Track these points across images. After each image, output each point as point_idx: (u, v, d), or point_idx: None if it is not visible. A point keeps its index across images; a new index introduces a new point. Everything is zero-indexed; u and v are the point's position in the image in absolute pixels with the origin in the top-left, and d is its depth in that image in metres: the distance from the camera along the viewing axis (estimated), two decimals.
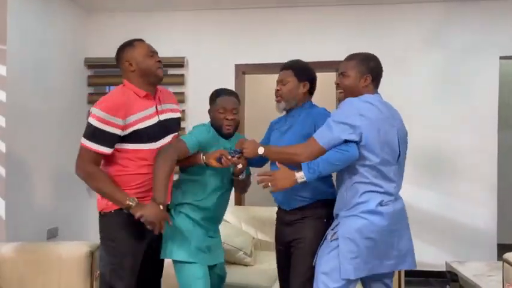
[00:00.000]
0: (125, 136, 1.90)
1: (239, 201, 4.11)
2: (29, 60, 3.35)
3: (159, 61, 2.03)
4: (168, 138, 2.04)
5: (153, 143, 1.97)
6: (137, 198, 1.89)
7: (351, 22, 3.99)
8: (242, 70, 4.13)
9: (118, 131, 1.88)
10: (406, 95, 3.83)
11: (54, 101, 3.68)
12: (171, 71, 4.20)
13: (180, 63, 4.13)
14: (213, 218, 2.18)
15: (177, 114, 2.17)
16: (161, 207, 1.84)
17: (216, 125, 2.17)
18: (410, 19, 3.93)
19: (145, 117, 1.95)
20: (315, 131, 1.95)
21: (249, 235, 3.27)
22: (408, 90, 3.90)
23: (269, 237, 3.37)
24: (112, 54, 4.40)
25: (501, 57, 3.82)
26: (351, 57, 2.05)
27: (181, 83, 4.17)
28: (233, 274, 2.84)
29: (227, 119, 2.13)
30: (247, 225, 3.42)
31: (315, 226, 2.01)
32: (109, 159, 1.93)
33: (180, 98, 4.16)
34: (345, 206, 1.90)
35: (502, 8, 3.81)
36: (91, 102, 4.19)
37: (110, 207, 1.93)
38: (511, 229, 4.66)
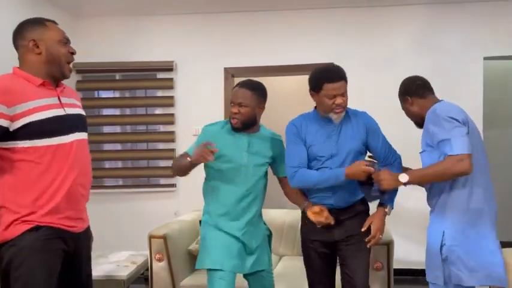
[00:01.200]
0: (13, 131, 1.49)
1: None
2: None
3: (73, 53, 1.69)
4: (74, 136, 1.63)
5: (53, 139, 1.55)
6: (42, 224, 1.49)
7: (339, 25, 4.00)
8: (231, 73, 4.11)
9: (2, 122, 1.46)
10: (393, 96, 3.84)
11: None
12: (160, 75, 4.18)
13: (169, 67, 4.10)
14: (242, 224, 2.09)
15: (83, 112, 1.78)
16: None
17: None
18: (397, 22, 3.96)
19: (44, 106, 1.55)
20: (366, 132, 2.05)
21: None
22: (395, 91, 3.91)
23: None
24: (99, 59, 4.38)
25: (485, 58, 3.85)
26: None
27: (171, 87, 4.14)
28: None
29: (232, 112, 2.08)
30: None
31: (363, 220, 2.04)
32: None
33: (169, 102, 4.14)
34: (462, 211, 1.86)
35: (485, 10, 3.85)
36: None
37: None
38: (499, 225, 4.71)
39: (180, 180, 4.12)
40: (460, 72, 3.87)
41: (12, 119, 1.48)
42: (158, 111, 4.24)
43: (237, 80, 4.38)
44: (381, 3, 3.91)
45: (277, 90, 5.24)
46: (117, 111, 4.24)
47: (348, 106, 2.09)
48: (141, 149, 4.26)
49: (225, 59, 4.09)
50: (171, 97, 4.14)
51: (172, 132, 4.14)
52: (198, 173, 4.03)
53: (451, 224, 1.86)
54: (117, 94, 4.29)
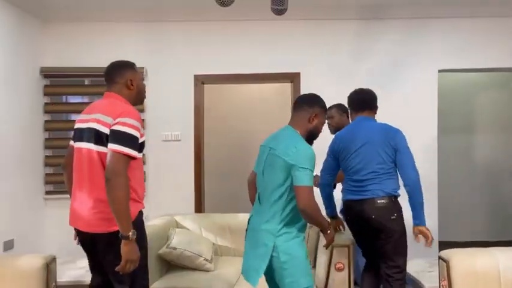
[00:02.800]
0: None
1: (199, 209, 4.11)
2: None
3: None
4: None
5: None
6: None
7: (306, 35, 4.12)
8: (201, 80, 4.15)
9: (140, 139, 2.02)
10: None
11: (10, 110, 3.53)
12: None
13: None
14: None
15: None
16: None
17: None
18: (359, 34, 4.12)
19: (143, 133, 2.11)
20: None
21: (209, 241, 3.28)
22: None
23: (229, 242, 3.40)
24: (68, 63, 4.31)
25: (440, 71, 4.09)
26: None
27: None
28: (195, 280, 2.86)
29: None
30: (207, 231, 3.42)
31: None
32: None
33: (140, 108, 4.10)
34: None
35: (439, 26, 4.09)
36: (48, 112, 4.06)
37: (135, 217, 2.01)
38: (451, 227, 4.97)
39: (149, 186, 4.10)
40: (417, 83, 4.08)
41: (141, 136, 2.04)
42: None
43: (207, 87, 4.48)
44: (346, 17, 4.07)
45: (247, 97, 5.33)
46: None
47: None
48: None
49: (195, 67, 4.12)
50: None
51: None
52: (167, 177, 4.07)
53: None
54: (86, 99, 4.22)
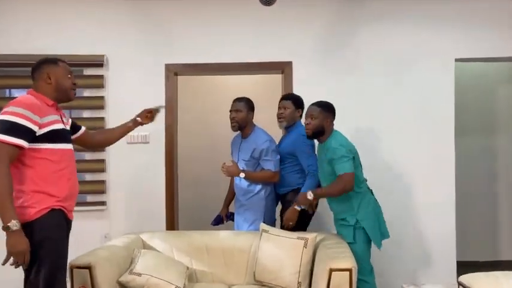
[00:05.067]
0: (40, 136, 2.24)
1: (171, 225, 4.01)
2: None
3: (75, 83, 2.53)
4: (69, 146, 2.49)
5: (65, 144, 2.42)
6: (60, 207, 2.32)
7: (299, 19, 4.05)
8: (174, 71, 4.05)
9: (35, 128, 2.20)
10: (357, 100, 3.98)
11: None
12: (88, 71, 4.04)
13: (98, 62, 3.99)
14: None
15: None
16: None
17: None
18: (360, 18, 4.07)
19: (56, 120, 2.37)
20: None
21: (182, 265, 3.18)
22: (356, 95, 4.03)
23: (206, 266, 3.30)
24: (13, 50, 4.17)
25: (457, 60, 4.05)
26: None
27: (101, 86, 4.03)
28: None
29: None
30: (180, 253, 3.32)
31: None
32: (24, 162, 2.23)
33: (99, 103, 4.02)
34: None
35: (456, 10, 4.05)
36: None
37: (40, 211, 2.21)
38: (470, 244, 4.95)
39: (111, 198, 3.98)
40: (430, 75, 4.04)
41: (40, 126, 2.25)
42: (86, 114, 4.09)
43: (181, 79, 4.39)
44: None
45: (229, 91, 5.25)
46: None
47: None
48: None
49: (167, 55, 4.04)
50: (101, 97, 4.02)
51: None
52: (132, 186, 3.96)
53: None
54: None
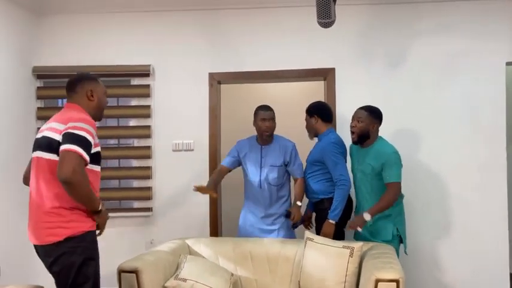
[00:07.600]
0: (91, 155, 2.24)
1: (215, 232, 4.03)
2: None
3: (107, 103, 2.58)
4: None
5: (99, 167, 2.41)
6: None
7: (343, 22, 4.00)
8: (217, 79, 4.10)
9: (94, 150, 2.26)
10: (406, 112, 3.91)
11: None
12: (135, 81, 4.15)
13: (145, 72, 4.08)
14: None
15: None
16: None
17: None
18: (407, 20, 3.98)
19: (98, 142, 2.36)
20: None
21: (227, 272, 3.19)
22: (409, 97, 3.94)
23: (251, 273, 3.30)
24: (65, 62, 4.33)
25: (508, 63, 3.89)
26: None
27: (147, 95, 4.11)
28: None
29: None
30: (224, 259, 3.33)
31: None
32: None
33: (146, 112, 4.10)
34: None
35: (506, 10, 3.89)
36: (41, 118, 4.08)
37: (79, 228, 2.23)
38: None
39: (156, 204, 4.05)
40: (479, 79, 3.89)
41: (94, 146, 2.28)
42: (132, 122, 4.20)
43: (224, 87, 4.43)
44: (392, 1, 3.96)
45: (271, 98, 5.25)
46: None
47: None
48: (111, 166, 4.19)
49: (211, 64, 4.08)
50: (148, 106, 4.11)
51: (149, 147, 4.10)
52: (177, 193, 4.02)
53: None
54: None
